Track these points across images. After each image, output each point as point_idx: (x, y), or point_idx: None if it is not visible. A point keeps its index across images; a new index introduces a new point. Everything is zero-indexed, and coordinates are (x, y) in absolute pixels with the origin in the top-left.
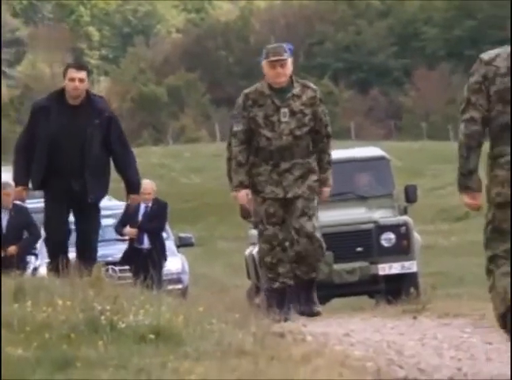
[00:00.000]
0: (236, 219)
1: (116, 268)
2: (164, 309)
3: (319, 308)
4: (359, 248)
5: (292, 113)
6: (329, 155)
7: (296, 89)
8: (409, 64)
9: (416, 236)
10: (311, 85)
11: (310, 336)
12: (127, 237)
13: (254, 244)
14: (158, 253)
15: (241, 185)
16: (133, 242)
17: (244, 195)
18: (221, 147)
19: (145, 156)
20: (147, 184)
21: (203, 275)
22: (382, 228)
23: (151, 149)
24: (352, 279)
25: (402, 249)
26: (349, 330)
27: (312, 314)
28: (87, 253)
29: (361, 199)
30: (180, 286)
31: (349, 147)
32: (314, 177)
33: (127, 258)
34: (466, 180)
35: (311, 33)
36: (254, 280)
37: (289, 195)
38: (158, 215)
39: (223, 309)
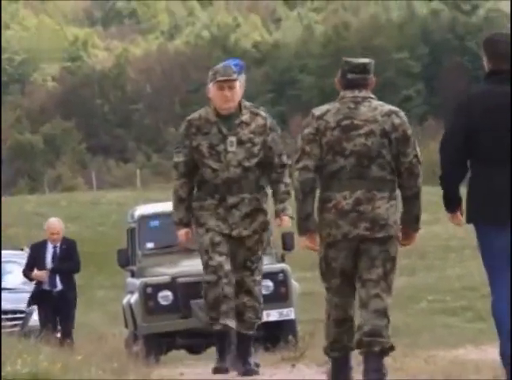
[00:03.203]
0: (114, 268)
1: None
2: (42, 357)
3: (257, 368)
4: None
5: (240, 142)
6: (285, 185)
7: (245, 116)
8: (285, 111)
9: (294, 283)
10: (261, 112)
11: None
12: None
13: (131, 292)
14: (71, 294)
15: (180, 223)
16: (41, 285)
17: (183, 234)
18: (98, 196)
19: (20, 204)
20: (54, 222)
21: (81, 324)
22: None
23: (27, 197)
24: None
25: (280, 296)
26: (227, 377)
27: (250, 373)
28: None
29: None
30: (58, 334)
31: None
32: (262, 218)
33: (35, 301)
34: (305, 223)
35: (186, 81)
36: (131, 328)
37: (234, 234)
38: (69, 255)
39: (101, 357)
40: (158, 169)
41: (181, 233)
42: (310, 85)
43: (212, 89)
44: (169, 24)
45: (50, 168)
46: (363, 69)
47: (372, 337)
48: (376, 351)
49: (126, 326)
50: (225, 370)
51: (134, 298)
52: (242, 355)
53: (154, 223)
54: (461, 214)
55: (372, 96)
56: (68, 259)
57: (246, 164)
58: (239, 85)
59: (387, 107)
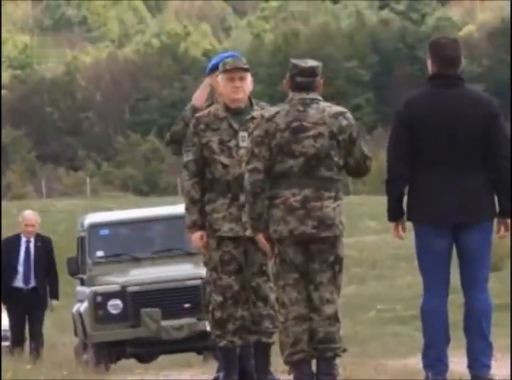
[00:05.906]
0: (64, 276)
1: None
2: None
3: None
4: (187, 305)
5: None
6: None
7: (257, 112)
8: None
9: None
10: None
11: None
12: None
13: (81, 301)
14: (44, 292)
15: (194, 226)
16: (12, 281)
17: (198, 237)
18: (47, 204)
19: None
20: (29, 214)
21: None
22: None
23: None
24: (180, 336)
25: None
26: None
27: None
28: None
29: (189, 255)
30: (8, 343)
31: (176, 203)
32: None
33: (4, 299)
34: (257, 223)
35: (136, 89)
36: (81, 337)
37: (247, 234)
38: (45, 253)
39: (51, 365)
40: (107, 178)
41: (196, 236)
42: (260, 94)
43: (221, 81)
44: (119, 33)
45: None
46: (311, 72)
47: (325, 344)
48: (329, 356)
49: (76, 335)
50: None
51: (84, 307)
52: (262, 366)
53: (104, 232)
54: (403, 230)
55: (320, 98)
56: (44, 258)
57: None
58: (250, 80)
59: (335, 108)
